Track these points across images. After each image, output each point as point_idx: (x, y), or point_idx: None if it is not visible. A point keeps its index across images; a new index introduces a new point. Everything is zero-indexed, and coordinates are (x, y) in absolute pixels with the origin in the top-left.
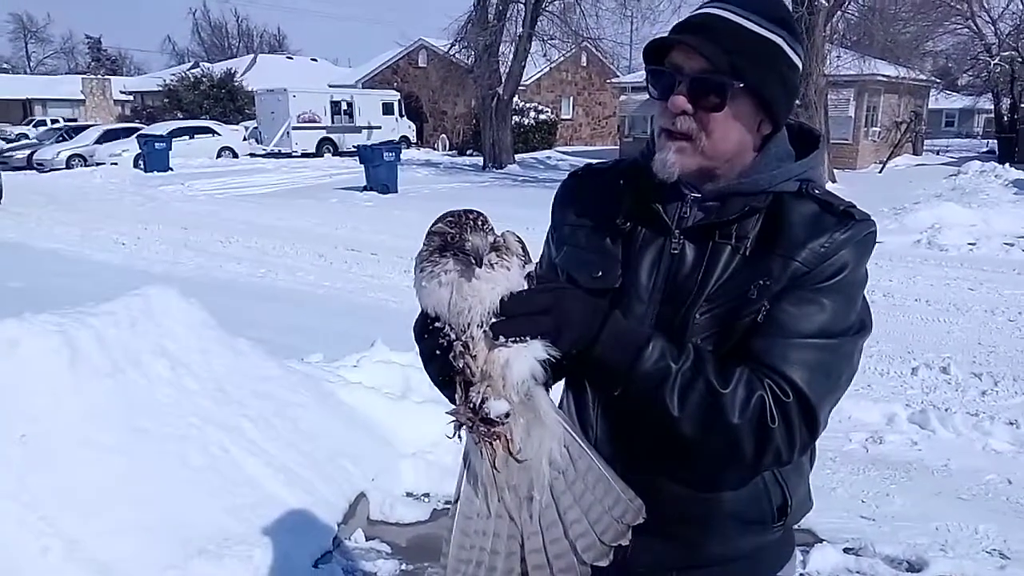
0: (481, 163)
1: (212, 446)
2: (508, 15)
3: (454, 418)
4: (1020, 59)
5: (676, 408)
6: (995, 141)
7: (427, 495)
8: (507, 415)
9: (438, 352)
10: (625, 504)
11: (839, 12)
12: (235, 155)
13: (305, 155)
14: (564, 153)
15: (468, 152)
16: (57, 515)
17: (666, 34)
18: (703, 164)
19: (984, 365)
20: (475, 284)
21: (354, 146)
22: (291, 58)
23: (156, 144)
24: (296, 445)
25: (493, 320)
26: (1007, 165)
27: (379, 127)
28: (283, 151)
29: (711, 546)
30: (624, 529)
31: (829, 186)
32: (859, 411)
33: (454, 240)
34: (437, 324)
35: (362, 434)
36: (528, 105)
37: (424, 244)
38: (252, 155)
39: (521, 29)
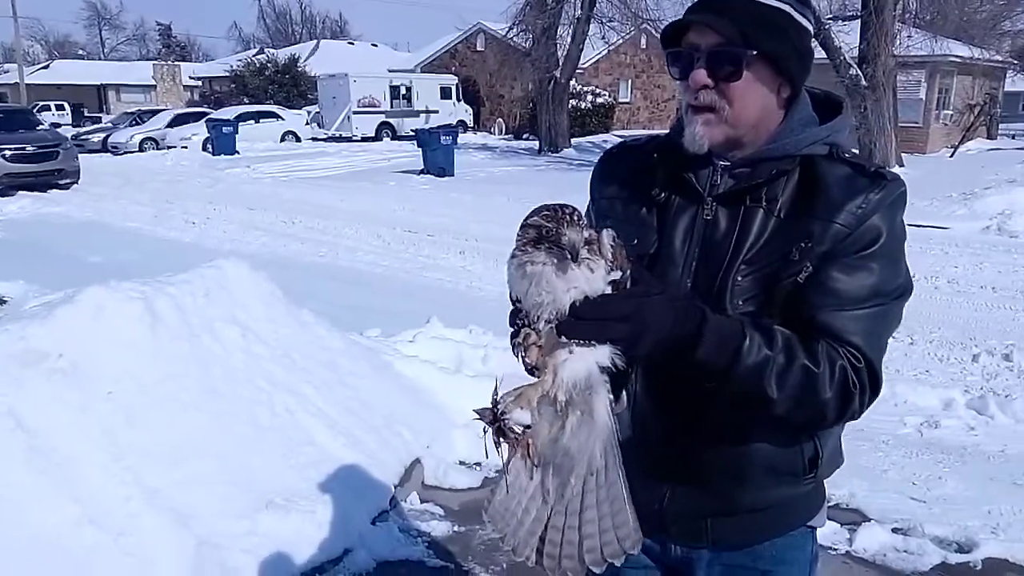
0: (537, 147)
1: (279, 408)
2: None
3: (479, 416)
4: None
5: (775, 392)
6: None
7: (478, 464)
8: (527, 427)
9: (513, 328)
10: (629, 530)
11: None
12: (298, 139)
13: (365, 139)
14: (621, 137)
15: (524, 136)
16: (138, 466)
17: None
18: (729, 133)
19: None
20: (553, 281)
21: (412, 130)
22: (352, 43)
23: (223, 128)
24: (356, 411)
25: (560, 319)
26: None
27: (436, 111)
28: (344, 135)
29: (744, 496)
30: (620, 551)
31: (896, 170)
32: (916, 396)
33: (549, 234)
34: (518, 306)
35: (418, 404)
36: (585, 89)
37: (519, 234)
38: (314, 139)
39: (579, 11)
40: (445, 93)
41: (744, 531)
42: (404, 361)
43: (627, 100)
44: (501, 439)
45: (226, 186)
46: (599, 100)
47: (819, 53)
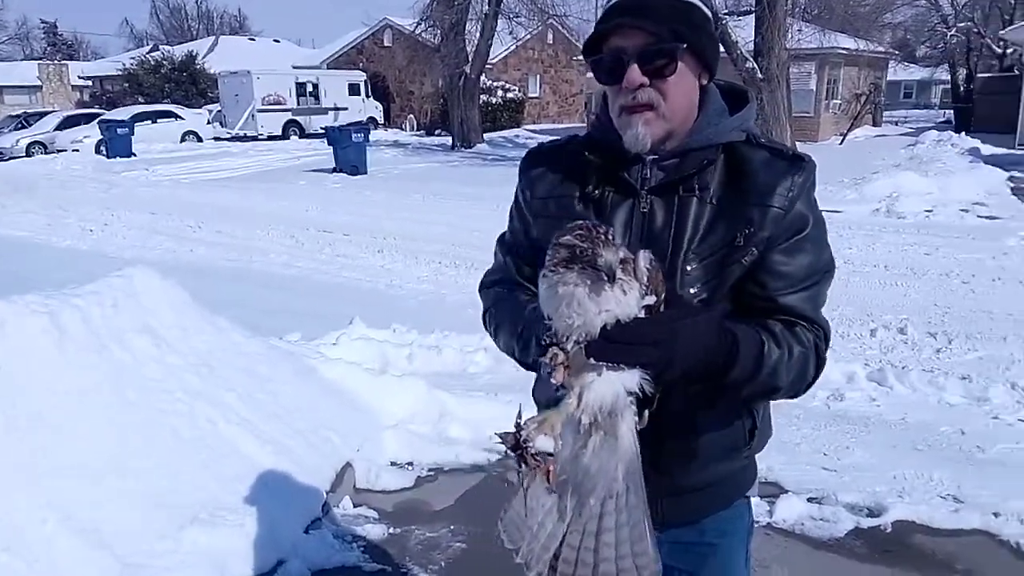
0: (450, 143)
1: (199, 419)
2: None
3: (501, 440)
4: (976, 30)
5: (783, 382)
6: (951, 111)
7: (410, 463)
8: (549, 454)
9: (541, 344)
10: (649, 559)
11: None
12: (199, 139)
13: (271, 138)
14: (532, 131)
15: (436, 132)
16: (53, 487)
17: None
18: (667, 128)
19: (939, 325)
20: (586, 303)
21: (321, 128)
22: (253, 39)
23: (118, 129)
24: (281, 418)
25: (591, 341)
26: (963, 134)
27: (346, 108)
28: (248, 134)
29: (695, 475)
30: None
31: None
32: None
33: (584, 254)
34: (547, 323)
35: (345, 407)
36: (495, 84)
37: (550, 252)
38: (217, 139)
39: (487, 7)
40: (353, 90)
41: (693, 508)
42: (328, 364)
43: (536, 95)
44: (523, 465)
45: (123, 190)
46: (509, 95)
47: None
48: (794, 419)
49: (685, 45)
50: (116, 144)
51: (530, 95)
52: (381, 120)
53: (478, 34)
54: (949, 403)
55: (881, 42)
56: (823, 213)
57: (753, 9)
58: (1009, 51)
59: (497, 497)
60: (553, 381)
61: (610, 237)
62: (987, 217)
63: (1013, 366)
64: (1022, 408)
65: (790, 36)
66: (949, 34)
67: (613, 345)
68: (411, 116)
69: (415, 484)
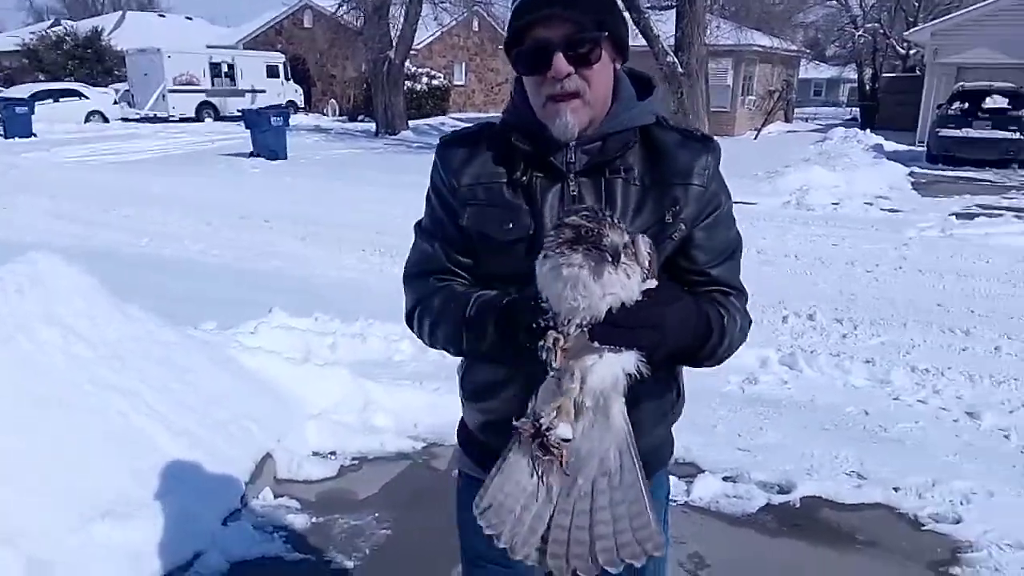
0: (374, 129)
1: (111, 411)
2: None
3: (519, 429)
4: (882, 31)
5: (734, 348)
6: (858, 109)
7: (334, 453)
8: (567, 440)
9: (533, 326)
10: (650, 533)
11: None
12: (105, 120)
13: (183, 120)
14: (458, 120)
15: (360, 118)
16: None
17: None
18: (591, 114)
19: (845, 312)
20: (591, 285)
21: (238, 110)
22: (163, 16)
23: (16, 108)
24: (197, 409)
25: (594, 324)
26: (868, 131)
27: (263, 91)
28: (159, 115)
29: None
30: (640, 553)
31: None
32: (736, 356)
33: (589, 234)
34: (544, 305)
35: (265, 397)
36: (421, 70)
37: (553, 233)
38: (125, 120)
39: None
40: (272, 72)
41: None
42: (247, 353)
43: (462, 83)
44: (543, 453)
45: (22, 172)
46: (435, 82)
47: (640, 40)
48: (711, 403)
49: (607, 33)
50: (14, 124)
51: (456, 83)
52: (301, 104)
53: (402, 19)
54: (854, 385)
55: (793, 41)
56: (740, 205)
57: (674, 4)
58: (912, 52)
59: (423, 484)
60: (554, 365)
61: (616, 220)
62: (889, 210)
63: (913, 350)
64: (921, 390)
65: (709, 32)
66: (857, 35)
67: (618, 329)
68: (333, 101)
69: (339, 473)
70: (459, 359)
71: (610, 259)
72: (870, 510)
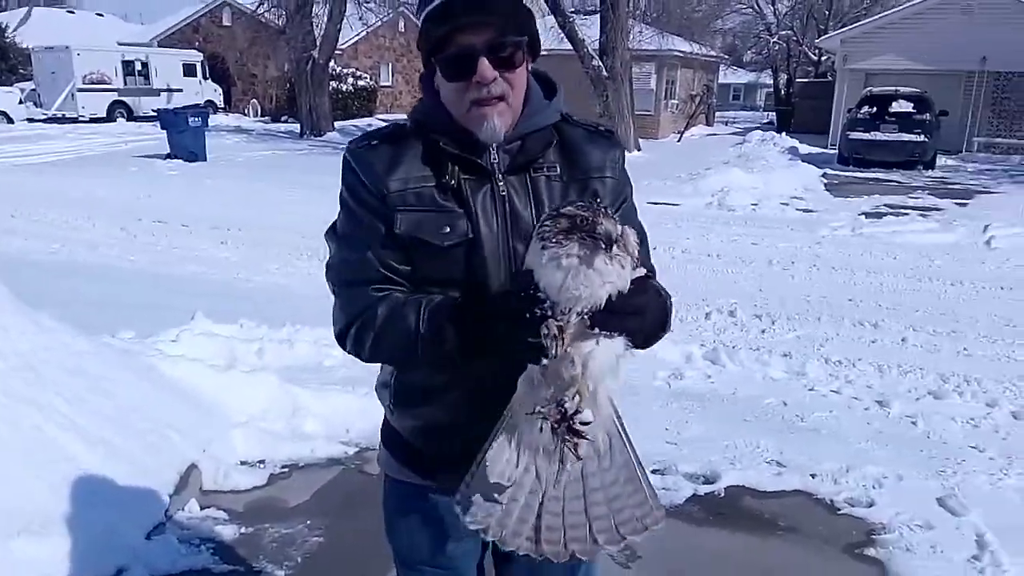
0: (298, 130)
1: (25, 425)
2: None
3: (542, 414)
4: (795, 38)
5: (670, 324)
6: (774, 113)
7: (262, 462)
8: (588, 423)
9: (527, 316)
10: (649, 508)
11: None
12: (10, 120)
13: (94, 120)
14: (385, 121)
15: (283, 119)
16: None
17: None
18: (514, 116)
19: (764, 308)
20: (591, 274)
21: (153, 110)
22: (72, 12)
23: None
24: (116, 420)
25: (595, 312)
26: (783, 134)
27: (180, 90)
28: (67, 115)
29: None
30: (641, 528)
31: (636, 154)
32: (663, 352)
33: (584, 224)
34: (540, 295)
35: (189, 406)
36: (346, 71)
37: (549, 223)
38: (31, 120)
39: None
40: (189, 71)
41: None
42: (169, 362)
43: (389, 84)
44: (572, 436)
45: None
46: (361, 83)
47: (565, 44)
48: (640, 398)
49: (527, 37)
50: None
51: (383, 84)
52: (221, 104)
53: (326, 18)
54: (773, 378)
55: (713, 47)
56: (664, 206)
57: (598, 9)
58: (823, 58)
59: (355, 489)
60: (552, 353)
61: (608, 210)
62: (804, 210)
63: (827, 343)
64: (834, 380)
65: (632, 37)
66: (772, 41)
67: (614, 316)
68: (255, 101)
69: (268, 482)
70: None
71: (604, 247)
72: (790, 497)
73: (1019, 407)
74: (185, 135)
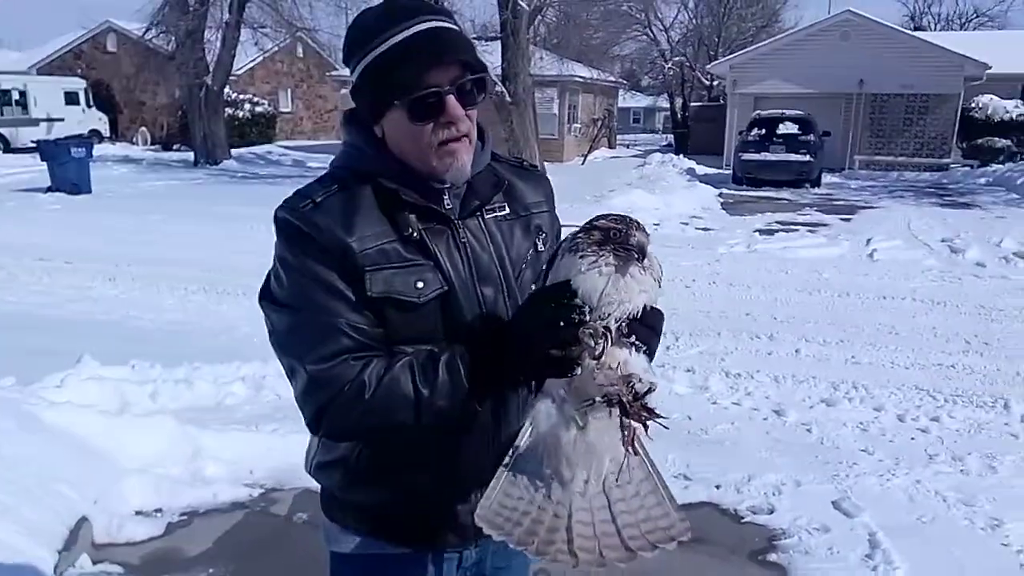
0: (192, 158)
1: None
2: (212, 0)
3: (607, 394)
4: (688, 64)
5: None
6: (672, 136)
7: (159, 510)
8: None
9: (561, 324)
10: (674, 521)
11: (539, 17)
12: None
13: None
14: (286, 148)
15: (176, 147)
16: None
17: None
18: (473, 155)
19: (668, 325)
20: (629, 283)
21: (32, 142)
22: None
23: None
24: None
25: (632, 321)
26: (682, 156)
27: (62, 119)
28: None
29: None
30: (667, 538)
31: None
32: None
33: (617, 236)
34: (576, 302)
35: (77, 456)
36: (242, 97)
37: (583, 234)
38: None
39: (228, 15)
40: (71, 99)
41: None
42: (54, 410)
43: (289, 110)
44: (648, 416)
45: None
46: (258, 109)
47: None
48: None
49: (485, 73)
50: None
51: (282, 110)
52: (107, 133)
53: (219, 43)
54: (678, 393)
55: (612, 72)
56: (572, 229)
57: (499, 36)
58: (715, 83)
59: (261, 533)
60: (596, 353)
61: (642, 225)
62: (703, 229)
63: (727, 357)
64: (734, 393)
65: (533, 63)
66: (667, 67)
67: (644, 327)
68: (144, 129)
69: (166, 531)
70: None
71: (638, 258)
72: (696, 508)
73: (903, 410)
74: (68, 167)
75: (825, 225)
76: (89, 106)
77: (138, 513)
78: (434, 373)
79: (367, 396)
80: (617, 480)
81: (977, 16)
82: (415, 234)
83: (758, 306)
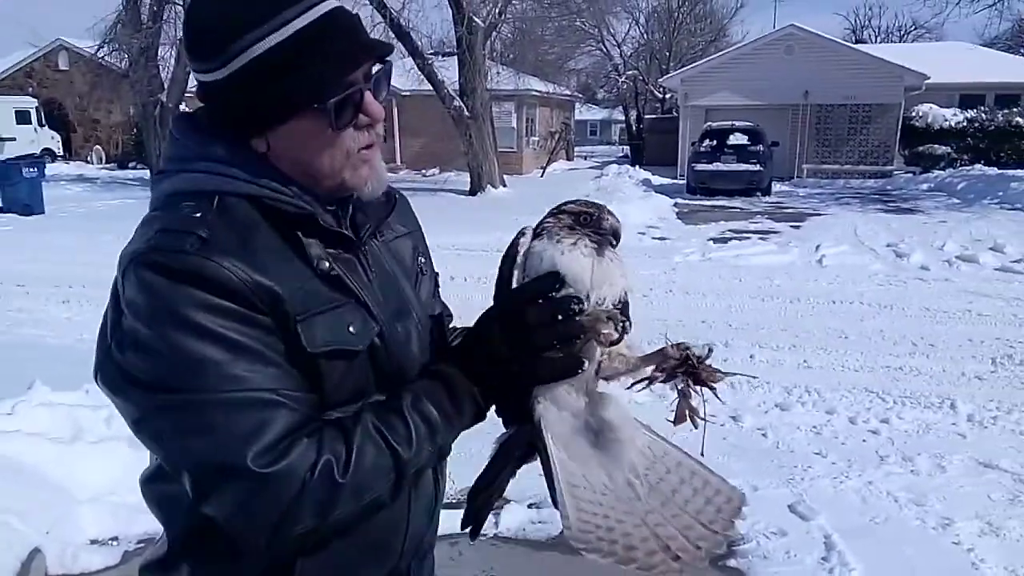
0: (148, 177)
1: None
2: (165, 17)
3: (665, 369)
4: (641, 78)
5: None
6: (628, 147)
7: (115, 539)
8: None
9: (560, 318)
10: (729, 492)
11: (495, 33)
12: None
13: None
14: None
15: (131, 165)
16: None
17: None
18: None
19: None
20: (611, 266)
21: None
22: None
23: None
24: None
25: (618, 305)
26: (638, 167)
27: (13, 139)
28: None
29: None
30: (728, 520)
31: (501, 190)
32: None
33: (588, 221)
34: (569, 291)
35: (28, 486)
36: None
37: (551, 219)
38: None
39: (181, 32)
40: (23, 118)
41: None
42: (3, 438)
43: None
44: (713, 380)
45: None
46: None
47: (426, 85)
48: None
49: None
50: None
51: None
52: (60, 152)
53: (173, 60)
54: (638, 402)
55: (568, 86)
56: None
57: (456, 52)
58: (668, 96)
59: None
60: (612, 340)
61: (609, 208)
62: (659, 238)
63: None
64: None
65: (490, 78)
66: (620, 80)
67: (625, 312)
68: (98, 147)
69: (122, 560)
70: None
71: (612, 241)
72: None
73: (854, 413)
74: (19, 187)
75: (776, 232)
76: (41, 125)
77: (93, 542)
78: (404, 425)
79: (340, 478)
80: (651, 472)
81: (916, 28)
82: (330, 268)
83: (713, 314)
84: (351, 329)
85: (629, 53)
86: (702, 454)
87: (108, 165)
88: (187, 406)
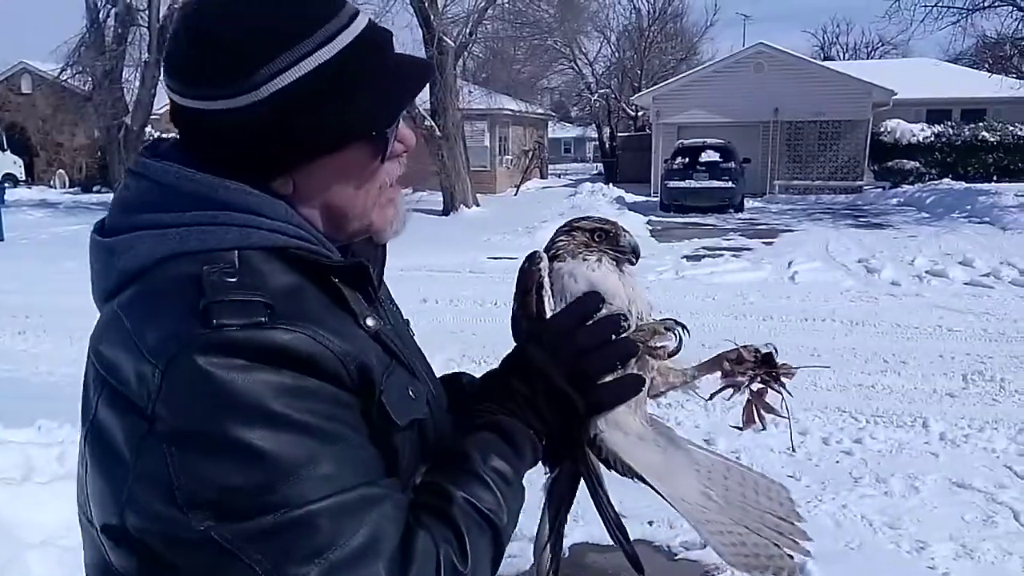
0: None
1: None
2: (129, 39)
3: (748, 368)
4: (614, 96)
5: None
6: (602, 165)
7: None
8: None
9: (613, 338)
10: (774, 487)
11: (466, 53)
12: None
13: None
14: None
15: (96, 189)
16: None
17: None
18: None
19: None
20: (632, 280)
21: None
22: None
23: None
24: None
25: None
26: (611, 185)
27: None
28: None
29: None
30: (787, 520)
31: (475, 210)
32: None
33: (604, 237)
34: (613, 308)
35: None
36: (165, 136)
37: (563, 238)
38: None
39: (147, 54)
40: None
41: None
42: None
43: None
44: (781, 379)
45: None
46: None
47: None
48: None
49: None
50: None
51: None
52: (22, 176)
53: (138, 83)
54: None
55: (541, 104)
56: (502, 261)
57: None
58: (640, 113)
59: None
60: (675, 353)
61: (622, 224)
62: None
63: None
64: (665, 423)
65: (462, 97)
66: (593, 99)
67: (681, 324)
68: (61, 171)
69: None
70: None
71: (632, 258)
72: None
73: (827, 433)
74: None
75: (749, 249)
76: (3, 149)
77: None
78: (487, 490)
79: (461, 567)
80: (713, 480)
81: (883, 44)
82: (375, 324)
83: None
84: (411, 394)
85: (601, 71)
86: (794, 450)
87: (72, 189)
88: (295, 526)
